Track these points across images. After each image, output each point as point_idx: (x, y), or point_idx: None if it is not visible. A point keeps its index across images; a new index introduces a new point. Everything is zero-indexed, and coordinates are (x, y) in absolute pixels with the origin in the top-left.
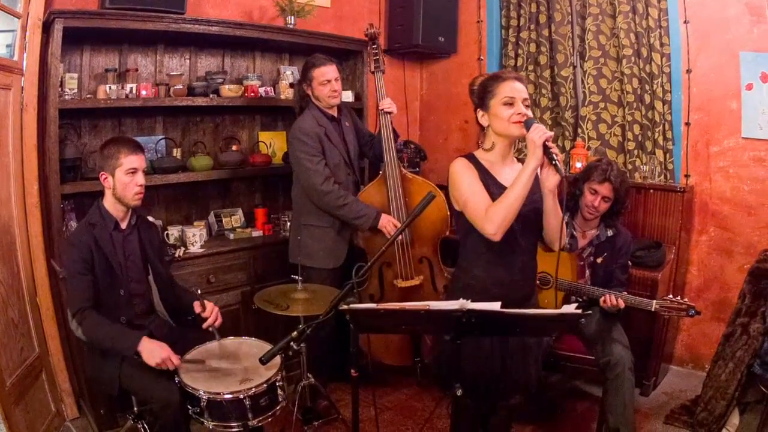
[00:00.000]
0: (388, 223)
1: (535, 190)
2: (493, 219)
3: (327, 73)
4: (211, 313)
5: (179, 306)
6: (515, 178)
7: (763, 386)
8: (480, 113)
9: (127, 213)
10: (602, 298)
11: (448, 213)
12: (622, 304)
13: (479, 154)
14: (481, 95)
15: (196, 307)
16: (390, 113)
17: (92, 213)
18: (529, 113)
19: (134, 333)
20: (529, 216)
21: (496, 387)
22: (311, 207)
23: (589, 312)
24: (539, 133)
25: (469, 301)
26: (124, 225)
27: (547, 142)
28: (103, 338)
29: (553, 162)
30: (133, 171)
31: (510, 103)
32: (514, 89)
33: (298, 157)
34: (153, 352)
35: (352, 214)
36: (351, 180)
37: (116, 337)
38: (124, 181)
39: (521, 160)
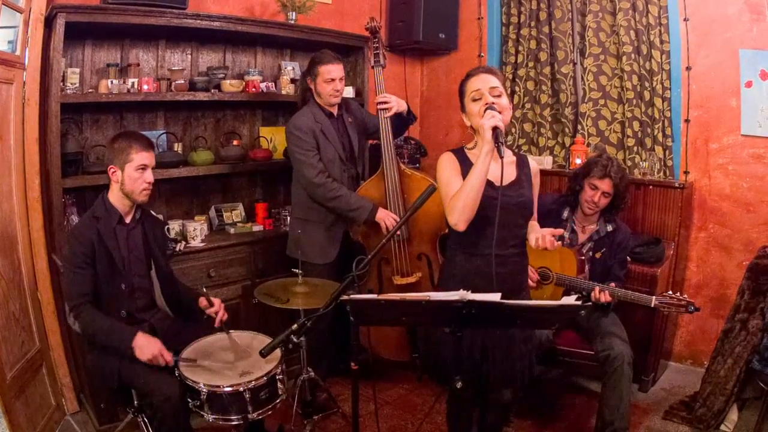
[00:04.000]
0: (386, 216)
1: (524, 184)
2: (452, 210)
3: (332, 71)
4: (219, 307)
5: (180, 301)
6: (472, 167)
7: (762, 382)
8: (463, 116)
9: (131, 207)
10: (593, 292)
11: None
12: (609, 298)
13: (469, 151)
14: (459, 98)
15: (202, 302)
16: (386, 107)
17: (97, 206)
18: (503, 101)
19: (129, 329)
20: (512, 209)
21: (480, 378)
22: (305, 202)
23: (589, 304)
24: (488, 117)
25: (469, 291)
26: (128, 219)
27: (497, 128)
28: (100, 333)
29: (496, 144)
30: (143, 167)
31: (478, 98)
32: (481, 81)
33: (293, 151)
34: (143, 348)
35: (347, 206)
36: (347, 176)
37: (112, 333)
38: (133, 176)
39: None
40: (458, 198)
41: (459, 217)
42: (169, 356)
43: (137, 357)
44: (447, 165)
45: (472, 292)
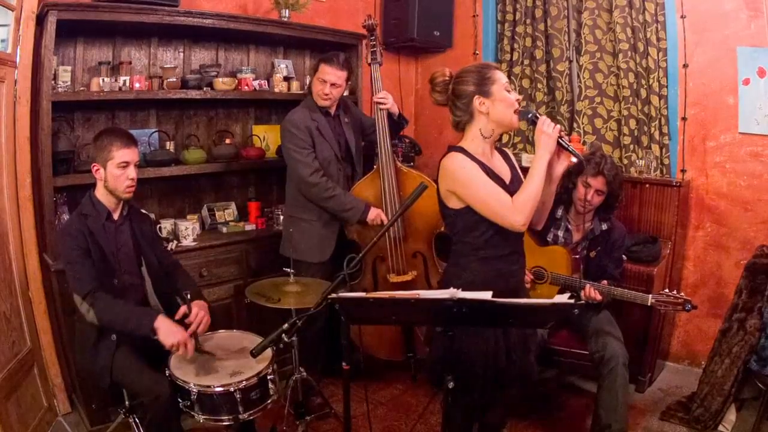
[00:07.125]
0: (377, 217)
1: (519, 179)
2: (522, 210)
3: (327, 73)
4: (194, 318)
5: (174, 297)
6: (531, 168)
7: (760, 382)
8: (479, 100)
9: (119, 204)
10: (583, 290)
11: None
12: (599, 297)
13: (469, 147)
14: (480, 82)
15: (180, 311)
16: (382, 104)
17: (84, 204)
18: None
19: (149, 310)
20: None
21: (501, 380)
22: (300, 200)
23: (582, 302)
24: (550, 125)
25: (460, 290)
26: (116, 216)
27: (559, 137)
28: (118, 318)
29: (569, 148)
30: (125, 164)
31: (509, 90)
32: (506, 78)
33: (288, 148)
34: (171, 331)
35: (340, 207)
36: (343, 175)
37: (131, 316)
38: (115, 174)
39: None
40: (526, 200)
41: (528, 218)
42: (192, 347)
43: (159, 339)
44: (472, 168)
45: (495, 295)
